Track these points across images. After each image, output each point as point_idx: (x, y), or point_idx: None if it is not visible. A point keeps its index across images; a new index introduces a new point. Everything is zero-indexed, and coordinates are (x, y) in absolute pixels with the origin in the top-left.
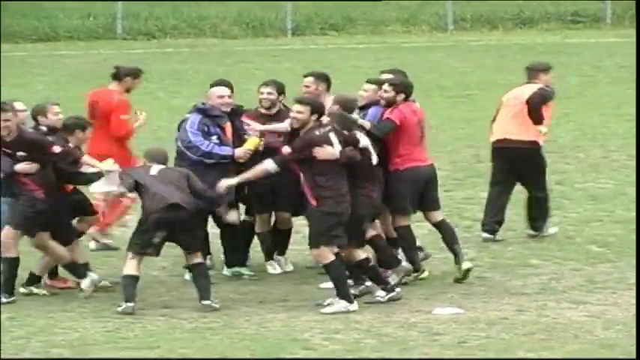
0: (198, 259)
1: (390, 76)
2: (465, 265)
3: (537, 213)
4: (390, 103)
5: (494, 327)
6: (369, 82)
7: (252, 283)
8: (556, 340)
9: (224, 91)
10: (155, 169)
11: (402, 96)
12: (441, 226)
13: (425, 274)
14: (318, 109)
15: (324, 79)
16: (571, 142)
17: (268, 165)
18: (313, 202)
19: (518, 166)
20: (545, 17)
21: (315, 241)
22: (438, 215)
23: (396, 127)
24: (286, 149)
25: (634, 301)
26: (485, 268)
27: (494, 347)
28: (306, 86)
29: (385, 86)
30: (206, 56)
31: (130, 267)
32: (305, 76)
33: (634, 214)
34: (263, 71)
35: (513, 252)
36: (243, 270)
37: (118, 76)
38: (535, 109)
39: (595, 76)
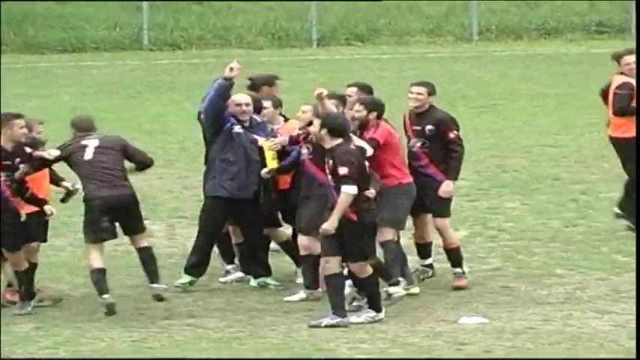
0: (144, 242)
1: (354, 89)
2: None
3: None
4: (363, 124)
5: (519, 336)
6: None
7: (277, 293)
8: (581, 349)
9: (243, 99)
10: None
11: (374, 114)
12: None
13: (416, 290)
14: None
15: (367, 90)
16: (595, 152)
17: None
18: (354, 217)
19: None
20: (570, 27)
21: (358, 255)
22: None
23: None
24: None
25: None
26: (510, 277)
27: (520, 356)
28: (349, 96)
29: (356, 106)
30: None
31: (94, 259)
32: (349, 86)
33: None
34: (289, 82)
35: (538, 262)
36: (269, 280)
37: (254, 86)
38: None
39: None
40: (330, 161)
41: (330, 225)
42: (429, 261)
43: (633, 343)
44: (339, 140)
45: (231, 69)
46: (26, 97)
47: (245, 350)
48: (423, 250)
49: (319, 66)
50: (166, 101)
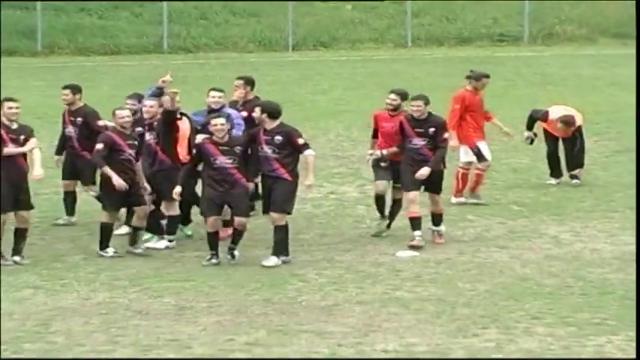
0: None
1: (241, 81)
2: None
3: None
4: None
5: (441, 265)
6: (214, 89)
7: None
8: (486, 274)
9: (215, 93)
10: None
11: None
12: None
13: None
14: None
15: (250, 82)
16: (491, 129)
17: (313, 152)
18: (289, 177)
19: None
20: (479, 37)
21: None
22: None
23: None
24: None
25: (546, 245)
26: None
27: (442, 280)
28: (236, 87)
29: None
30: (229, 66)
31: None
32: (237, 79)
33: (544, 182)
34: (271, 77)
35: (456, 209)
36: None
37: (476, 77)
38: None
39: (515, 81)
40: (279, 137)
41: (311, 180)
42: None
43: (525, 271)
44: (278, 121)
45: (164, 81)
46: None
47: (239, 274)
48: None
49: (294, 65)
50: (180, 91)
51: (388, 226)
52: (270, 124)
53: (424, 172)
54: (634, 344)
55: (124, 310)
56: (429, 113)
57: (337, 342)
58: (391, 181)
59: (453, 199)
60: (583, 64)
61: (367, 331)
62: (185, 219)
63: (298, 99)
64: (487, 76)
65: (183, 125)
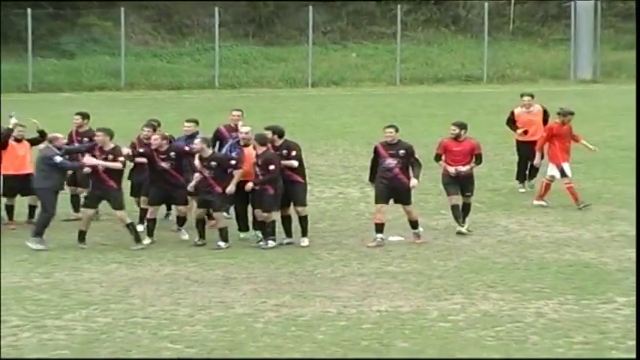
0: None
1: (238, 112)
2: None
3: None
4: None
5: (420, 247)
6: (188, 121)
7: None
8: (454, 254)
9: (188, 124)
10: None
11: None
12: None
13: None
14: None
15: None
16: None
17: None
18: (301, 179)
19: None
20: (451, 77)
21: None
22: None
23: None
24: None
25: (498, 233)
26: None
27: (421, 258)
28: (236, 116)
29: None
30: (264, 99)
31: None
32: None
33: (497, 186)
34: (295, 107)
35: (432, 205)
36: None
37: (563, 114)
38: None
39: (477, 111)
40: (285, 150)
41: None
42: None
43: (484, 251)
44: (264, 148)
45: (14, 124)
46: (149, 116)
47: (270, 253)
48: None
49: (312, 98)
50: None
51: (463, 221)
52: (278, 142)
53: (414, 183)
54: (566, 307)
55: (184, 279)
56: (399, 140)
57: (343, 304)
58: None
59: (535, 202)
60: None
61: (365, 296)
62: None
63: (315, 123)
64: (572, 114)
65: None
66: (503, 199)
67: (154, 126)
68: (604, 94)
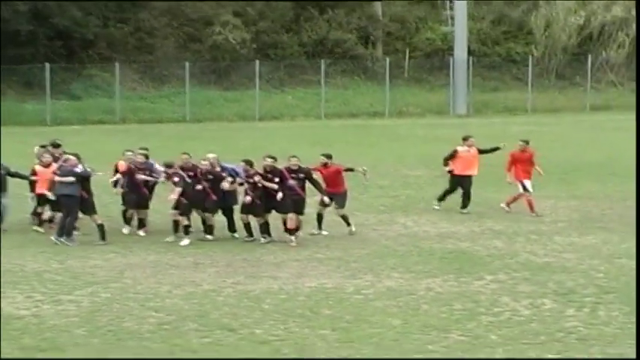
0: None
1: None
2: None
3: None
4: (325, 165)
5: (341, 240)
6: (185, 153)
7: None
8: (366, 244)
9: (184, 156)
10: None
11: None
12: None
13: None
14: None
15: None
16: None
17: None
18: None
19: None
20: (362, 113)
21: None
22: None
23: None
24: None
25: (398, 229)
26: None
27: (341, 247)
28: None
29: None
30: (222, 130)
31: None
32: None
33: (399, 194)
34: (247, 136)
35: (347, 209)
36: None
37: (524, 142)
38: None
39: (380, 139)
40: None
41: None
42: None
43: (388, 242)
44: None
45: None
46: (138, 143)
47: (230, 244)
48: None
49: (259, 130)
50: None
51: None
52: (295, 165)
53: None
54: (448, 283)
55: (164, 264)
56: (299, 166)
57: (283, 282)
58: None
59: (505, 207)
60: (419, 129)
61: (300, 276)
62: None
63: (262, 148)
64: (527, 142)
65: None
66: (402, 204)
67: (145, 154)
68: (475, 126)
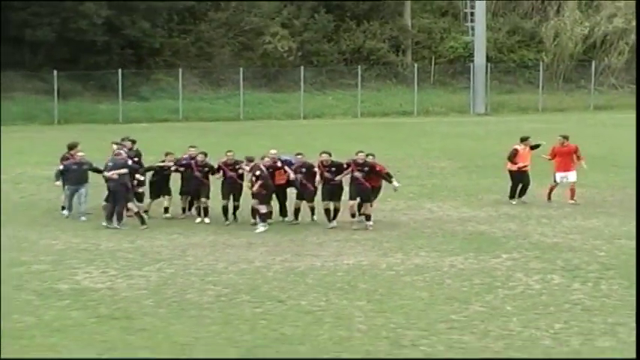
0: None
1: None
2: None
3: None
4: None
5: (377, 223)
6: (229, 150)
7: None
8: (393, 227)
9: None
10: None
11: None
12: None
13: None
14: None
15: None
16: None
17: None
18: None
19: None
20: (393, 112)
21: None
22: None
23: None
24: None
25: (421, 213)
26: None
27: (375, 230)
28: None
29: (559, 138)
30: (272, 127)
31: None
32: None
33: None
34: (293, 132)
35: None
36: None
37: (563, 137)
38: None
39: (409, 135)
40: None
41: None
42: None
43: (415, 225)
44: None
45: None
46: (199, 139)
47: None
48: None
49: (303, 127)
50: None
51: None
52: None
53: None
54: (469, 260)
55: (221, 244)
56: (332, 161)
57: (324, 260)
58: None
59: (570, 201)
60: (443, 126)
61: (339, 254)
62: None
63: (305, 143)
64: (566, 138)
65: None
66: (428, 192)
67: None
68: (492, 123)
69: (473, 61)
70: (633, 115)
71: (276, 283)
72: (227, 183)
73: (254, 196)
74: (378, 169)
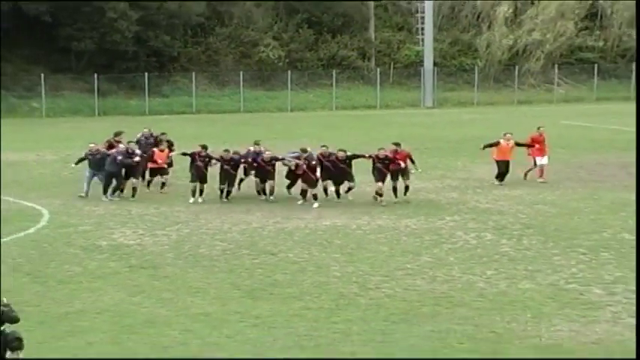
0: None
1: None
2: None
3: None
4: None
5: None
6: (226, 150)
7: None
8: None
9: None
10: None
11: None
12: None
13: None
14: None
15: None
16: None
17: None
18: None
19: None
20: (396, 106)
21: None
22: None
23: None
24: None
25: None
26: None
27: (390, 211)
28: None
29: (541, 129)
30: (266, 118)
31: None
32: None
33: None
34: (280, 124)
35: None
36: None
37: (538, 128)
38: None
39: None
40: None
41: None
42: None
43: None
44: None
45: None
46: (210, 129)
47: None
48: None
49: (336, 117)
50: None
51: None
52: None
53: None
54: (421, 222)
55: (226, 210)
56: (347, 155)
57: (307, 222)
58: None
59: (539, 180)
60: (399, 117)
61: (319, 217)
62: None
63: (292, 133)
64: (540, 127)
65: None
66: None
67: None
68: (438, 115)
69: (423, 65)
70: (548, 108)
71: (269, 240)
72: (224, 172)
73: (304, 180)
74: (397, 157)
